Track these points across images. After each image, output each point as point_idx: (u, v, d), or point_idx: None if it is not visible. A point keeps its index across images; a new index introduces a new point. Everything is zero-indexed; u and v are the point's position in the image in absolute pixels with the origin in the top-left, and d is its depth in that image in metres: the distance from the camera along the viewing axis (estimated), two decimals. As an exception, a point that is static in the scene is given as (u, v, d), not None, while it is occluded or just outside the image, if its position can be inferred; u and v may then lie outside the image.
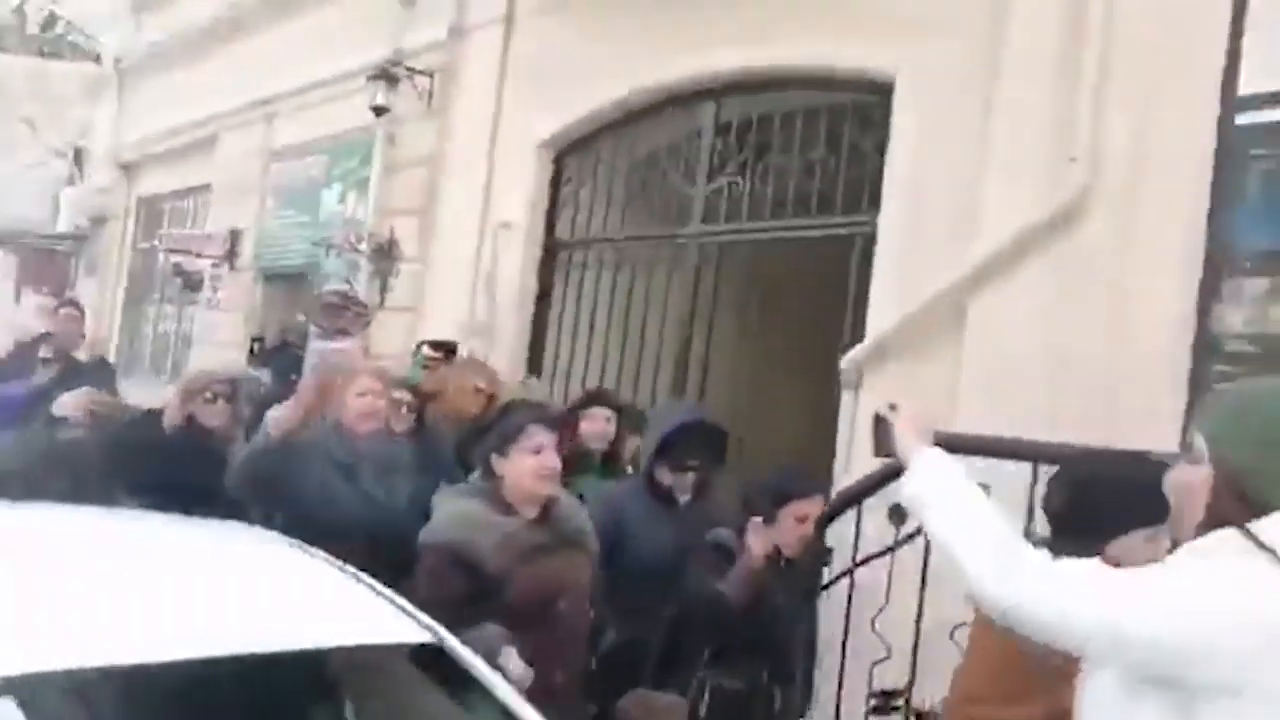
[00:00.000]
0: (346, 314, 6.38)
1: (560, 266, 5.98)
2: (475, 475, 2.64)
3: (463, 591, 2.25)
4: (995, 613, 1.35)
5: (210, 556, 1.85)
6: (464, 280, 6.17)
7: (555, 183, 6.04)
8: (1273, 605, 1.22)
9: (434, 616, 1.85)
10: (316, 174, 7.68)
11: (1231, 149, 3.40)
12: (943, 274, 3.93)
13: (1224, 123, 3.41)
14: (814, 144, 4.72)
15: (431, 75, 6.59)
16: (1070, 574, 1.35)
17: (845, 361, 4.24)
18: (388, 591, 1.74)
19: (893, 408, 1.66)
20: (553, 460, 2.49)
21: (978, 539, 1.39)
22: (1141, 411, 3.28)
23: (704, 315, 5.15)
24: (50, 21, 12.00)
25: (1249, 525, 1.29)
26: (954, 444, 2.37)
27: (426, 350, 4.93)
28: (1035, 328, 3.65)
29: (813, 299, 4.90)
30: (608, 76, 5.52)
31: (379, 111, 6.49)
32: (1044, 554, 1.41)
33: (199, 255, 8.51)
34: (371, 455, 3.13)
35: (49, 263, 12.11)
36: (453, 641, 1.63)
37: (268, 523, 2.69)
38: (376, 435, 3.19)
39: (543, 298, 6.00)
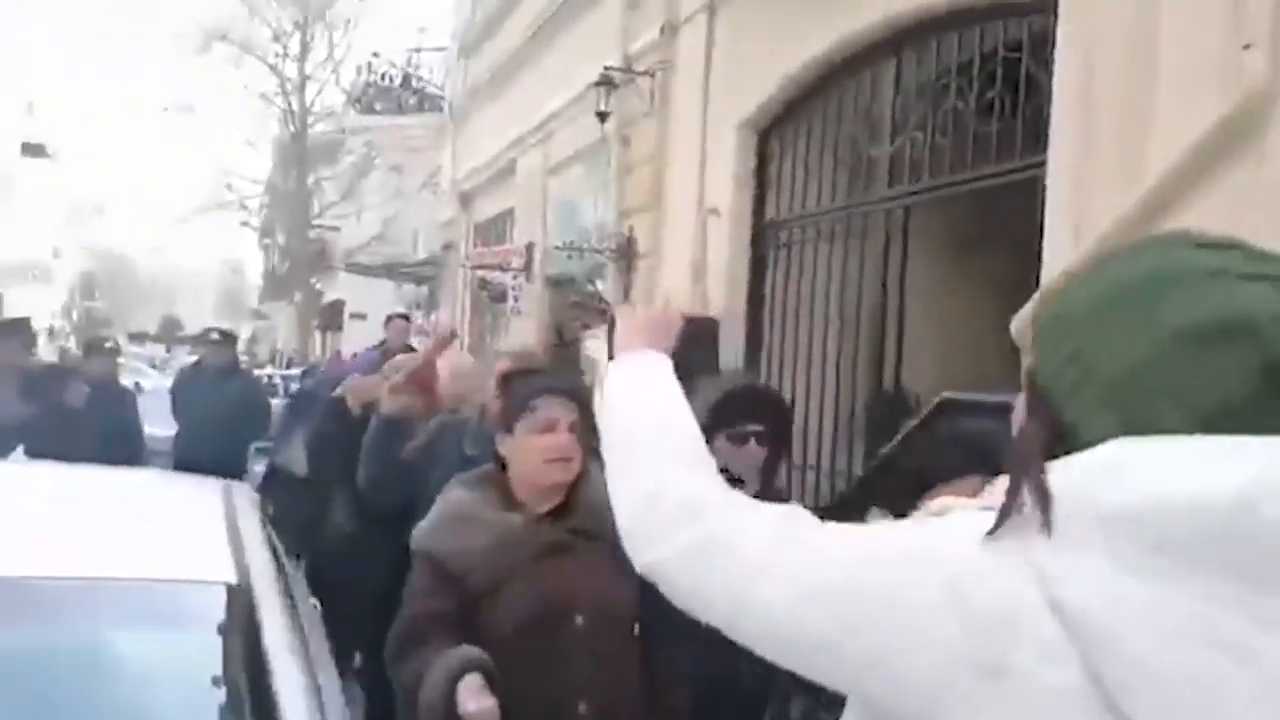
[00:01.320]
0: (590, 312, 6.89)
1: (770, 247, 5.88)
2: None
3: (451, 609, 1.81)
4: (635, 558, 0.94)
5: (101, 495, 2.19)
6: (686, 272, 6.31)
7: (761, 163, 5.95)
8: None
9: (423, 638, 1.74)
10: (578, 185, 8.29)
11: None
12: (1115, 210, 3.31)
13: None
14: (989, 84, 4.18)
15: (653, 74, 6.80)
16: (764, 521, 0.88)
17: (1015, 322, 3.72)
18: (250, 531, 1.92)
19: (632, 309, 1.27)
20: (567, 441, 1.93)
21: (648, 454, 0.98)
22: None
23: (896, 281, 4.79)
24: (406, 80, 14.16)
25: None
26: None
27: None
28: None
29: (1007, 253, 4.35)
30: (795, 47, 5.33)
31: (602, 116, 6.85)
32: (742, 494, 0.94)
33: (503, 269, 9.57)
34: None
35: (417, 289, 14.36)
36: (264, 585, 1.72)
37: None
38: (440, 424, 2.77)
39: (756, 281, 5.94)
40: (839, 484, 4.78)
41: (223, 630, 1.65)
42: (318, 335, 24.70)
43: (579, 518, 1.94)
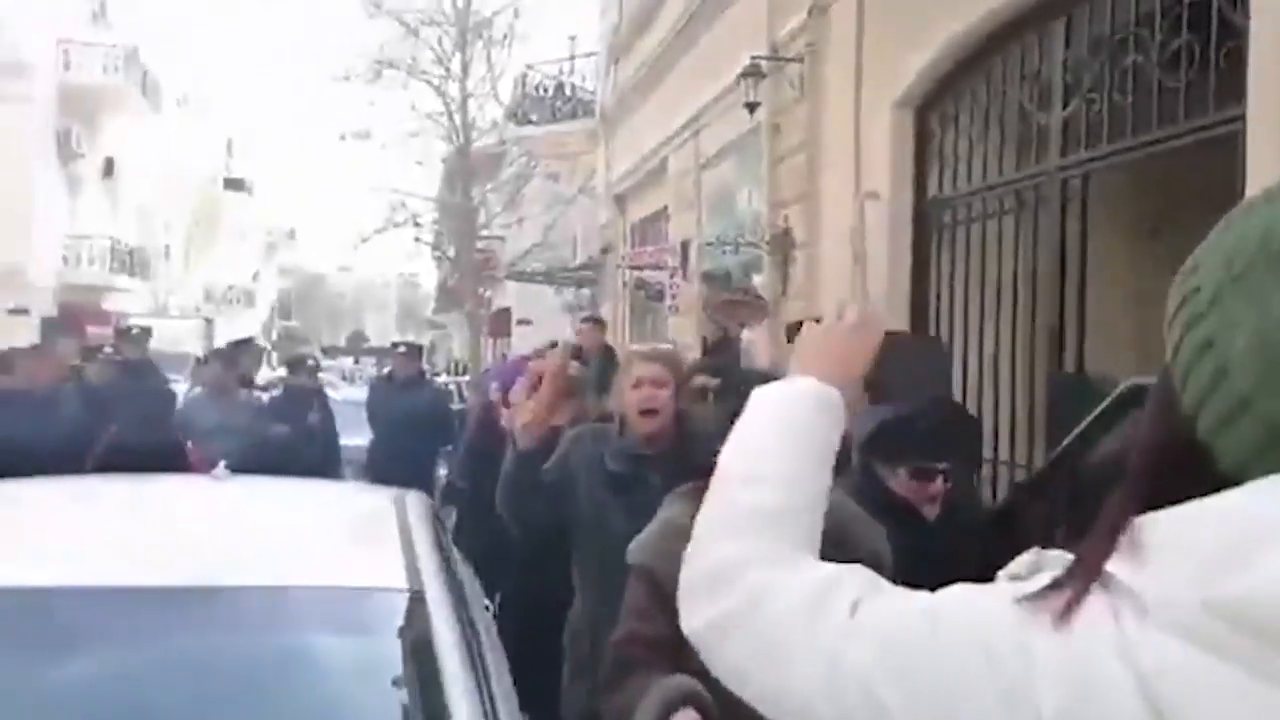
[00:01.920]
0: (744, 309, 6.80)
1: (934, 228, 5.62)
2: None
3: (666, 633, 1.57)
4: (683, 623, 0.84)
5: (285, 508, 2.30)
6: (847, 258, 6.12)
7: (921, 141, 5.69)
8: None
9: (634, 665, 1.66)
10: (730, 178, 8.21)
11: None
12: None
13: None
14: (1175, 33, 3.81)
15: (801, 60, 6.65)
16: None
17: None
18: (425, 539, 1.97)
19: (818, 320, 1.04)
20: None
21: (721, 511, 0.85)
22: None
23: (1075, 256, 4.45)
24: (559, 89, 14.50)
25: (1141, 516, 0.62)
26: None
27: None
28: None
29: (1202, 219, 3.94)
30: (949, 17, 5.07)
31: (751, 107, 6.75)
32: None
33: (658, 268, 9.62)
34: (660, 463, 2.40)
35: (584, 291, 14.67)
36: (435, 591, 1.75)
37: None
38: (663, 436, 2.50)
39: (921, 263, 5.69)
40: (1019, 479, 4.49)
41: (398, 635, 1.71)
42: (488, 342, 25.74)
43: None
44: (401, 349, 6.23)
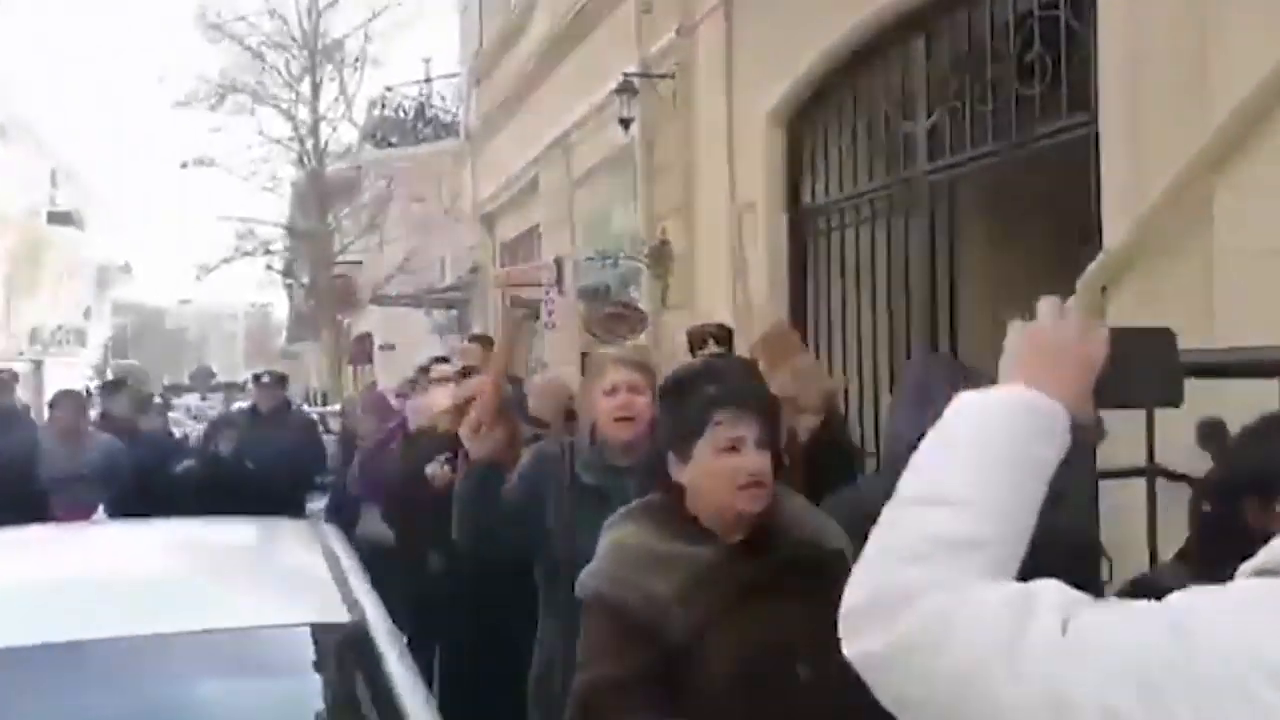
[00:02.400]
0: (624, 322, 6.85)
1: (809, 236, 5.83)
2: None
3: (641, 669, 1.50)
4: (846, 645, 0.79)
5: (203, 548, 2.18)
6: (725, 269, 6.26)
7: (792, 153, 5.90)
8: None
9: (610, 710, 1.48)
10: (605, 194, 8.28)
11: None
12: (1176, 160, 3.22)
13: None
14: (1028, 45, 4.11)
15: (673, 76, 6.79)
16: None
17: (1080, 284, 3.63)
18: (352, 572, 1.89)
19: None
20: (755, 461, 1.62)
21: (905, 529, 0.79)
22: None
23: (944, 256, 4.71)
24: (421, 111, 14.27)
25: None
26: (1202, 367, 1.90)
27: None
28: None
29: (1060, 216, 4.27)
30: (816, 33, 5.30)
31: (625, 123, 6.84)
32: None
33: (533, 285, 9.57)
34: (637, 474, 2.13)
35: (453, 313, 14.43)
36: (377, 622, 1.69)
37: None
38: (639, 445, 2.25)
39: (798, 270, 5.88)
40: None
41: (347, 671, 1.62)
42: (349, 370, 24.88)
43: (783, 549, 1.62)
44: (265, 379, 5.94)
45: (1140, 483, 2.66)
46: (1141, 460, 2.40)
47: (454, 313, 14.69)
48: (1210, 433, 1.85)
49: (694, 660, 1.51)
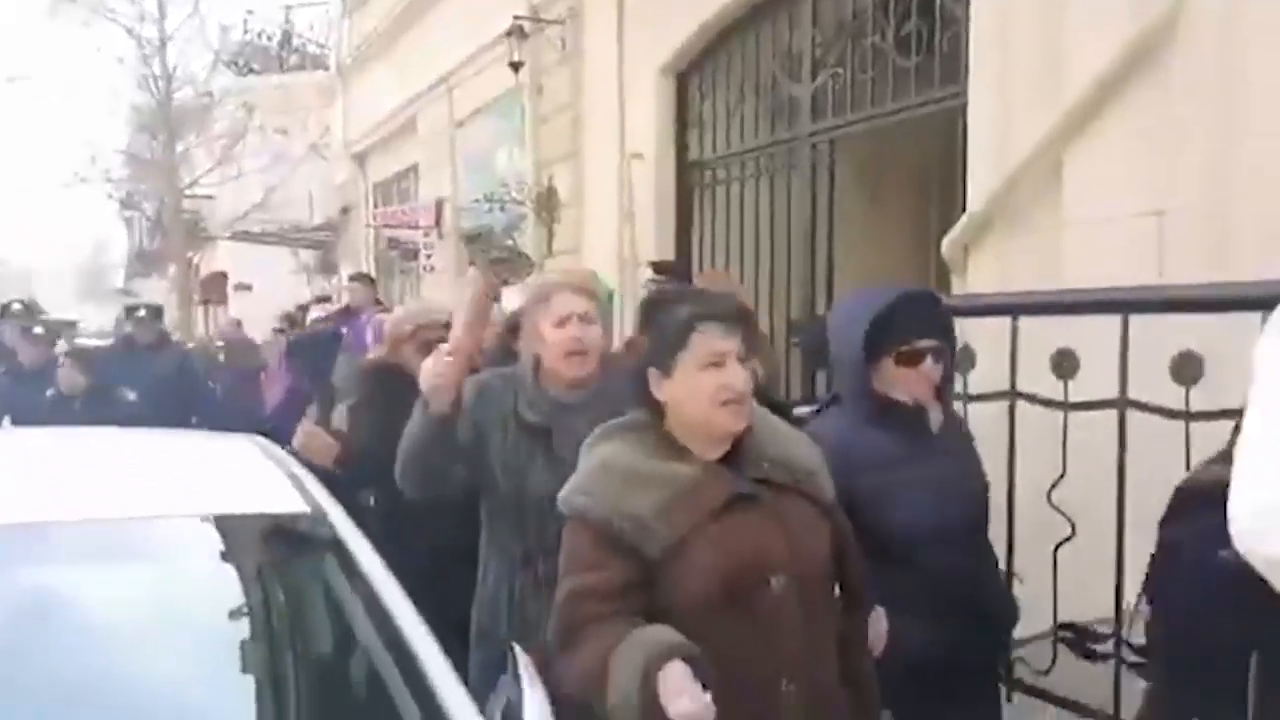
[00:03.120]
0: (509, 266, 6.91)
1: (696, 188, 6.06)
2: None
3: (623, 581, 1.54)
4: (1250, 546, 0.93)
5: (148, 449, 2.23)
6: (613, 216, 6.43)
7: (681, 106, 6.10)
8: None
9: (593, 619, 1.50)
10: (489, 137, 8.25)
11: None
12: (1034, 132, 3.61)
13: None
14: (906, 18, 4.43)
15: (563, 23, 6.82)
16: None
17: (946, 242, 4.03)
18: (299, 472, 1.92)
19: None
20: (738, 376, 1.61)
21: None
22: (1259, 264, 2.88)
23: (824, 212, 5.05)
24: (285, 39, 13.59)
25: None
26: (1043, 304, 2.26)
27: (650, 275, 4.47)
28: (1133, 178, 3.27)
29: (928, 179, 4.67)
30: (710, -11, 5.47)
31: (516, 67, 6.84)
32: None
33: (411, 227, 9.45)
34: (585, 410, 2.01)
35: (321, 252, 13.99)
36: (335, 513, 1.75)
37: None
38: (590, 380, 2.12)
39: (684, 221, 6.12)
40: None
41: (316, 557, 1.71)
42: (199, 310, 23.62)
43: (758, 465, 1.63)
44: (140, 312, 5.72)
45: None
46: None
47: (316, 253, 14.23)
48: (1060, 361, 2.25)
49: (673, 575, 1.54)
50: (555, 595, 1.60)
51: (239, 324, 11.19)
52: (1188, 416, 2.02)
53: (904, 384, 1.93)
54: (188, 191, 21.89)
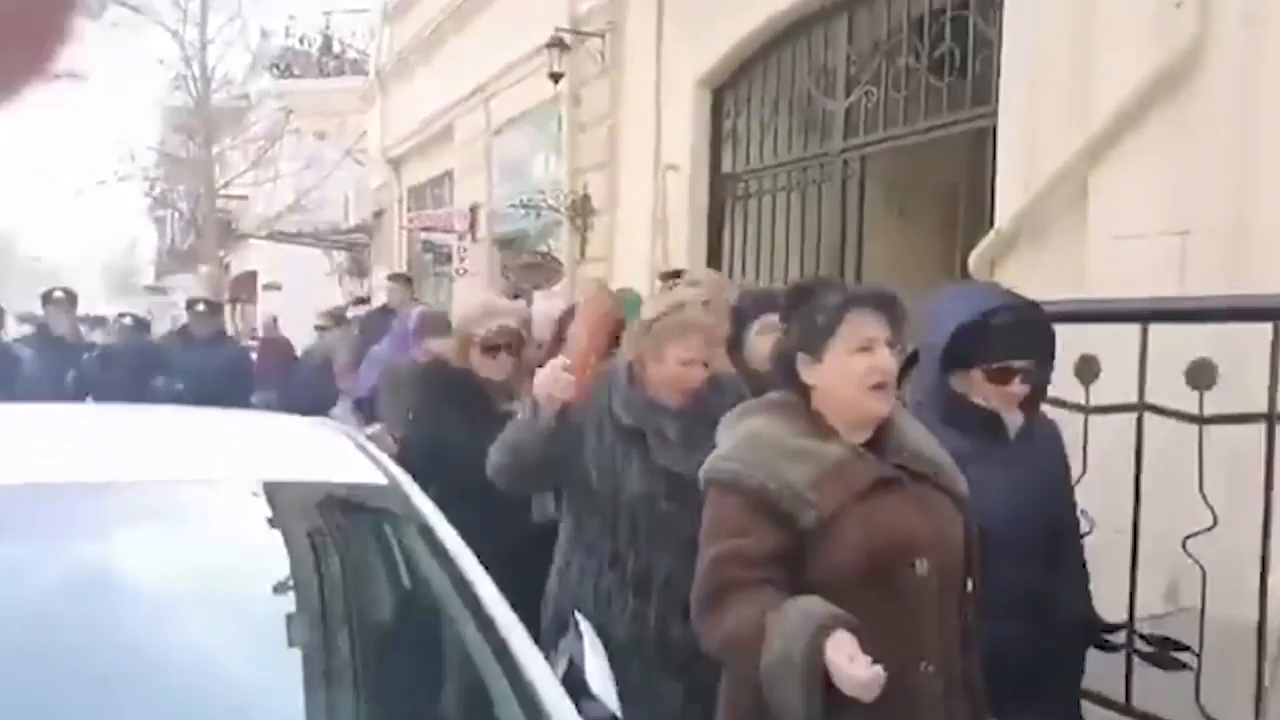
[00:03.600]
0: (541, 271, 7.11)
1: (729, 199, 6.22)
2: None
3: (768, 548, 1.56)
4: None
5: (223, 423, 2.35)
6: (645, 225, 6.59)
7: (716, 119, 6.26)
8: None
9: (741, 585, 1.53)
10: (525, 145, 8.44)
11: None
12: (1062, 153, 3.74)
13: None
14: (940, 40, 4.58)
15: (603, 36, 7.01)
16: None
17: (974, 256, 4.15)
18: (375, 451, 2.02)
19: None
20: (887, 361, 1.65)
21: None
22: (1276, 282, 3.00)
23: (854, 227, 5.19)
24: (326, 45, 13.89)
25: None
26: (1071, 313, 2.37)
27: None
28: (1157, 199, 3.40)
29: (957, 197, 4.80)
30: (746, 7, 5.64)
31: (556, 78, 7.04)
32: None
33: (445, 231, 9.66)
34: (674, 415, 2.17)
35: (355, 254, 14.25)
36: (412, 488, 1.83)
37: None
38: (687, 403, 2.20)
39: (715, 232, 6.27)
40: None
41: (398, 525, 1.81)
42: (228, 308, 24.00)
43: (899, 453, 1.67)
44: (200, 306, 5.96)
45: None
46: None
47: (347, 255, 14.48)
48: (1083, 366, 2.33)
49: (821, 548, 1.56)
50: (699, 561, 1.62)
51: (275, 322, 11.44)
52: (1201, 421, 2.15)
53: (986, 395, 1.94)
54: (223, 191, 22.30)
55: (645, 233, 6.58)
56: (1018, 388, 1.94)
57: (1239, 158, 3.16)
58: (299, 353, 7.53)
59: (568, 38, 7.06)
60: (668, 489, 2.03)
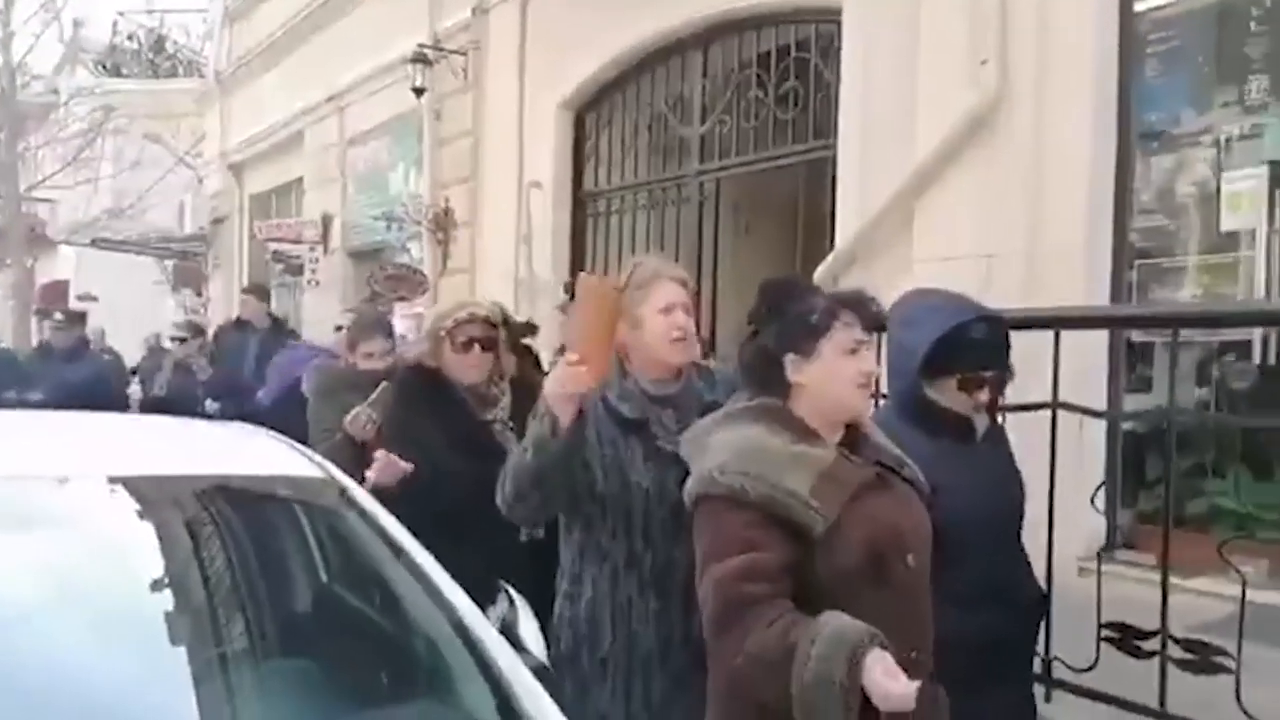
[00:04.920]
0: (407, 283, 7.20)
1: (589, 217, 6.53)
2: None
3: (781, 561, 1.55)
4: None
5: (171, 430, 2.37)
6: (508, 239, 6.81)
7: (578, 139, 6.57)
8: None
9: (755, 600, 1.51)
10: (384, 157, 8.48)
11: (1134, 35, 3.61)
12: (891, 184, 4.27)
13: (1125, 9, 3.62)
14: (785, 77, 5.08)
15: (465, 54, 7.19)
16: None
17: (818, 274, 4.63)
18: (303, 448, 2.10)
19: None
20: (871, 364, 1.73)
21: None
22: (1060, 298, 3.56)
23: (709, 244, 5.62)
24: (159, 44, 13.27)
25: None
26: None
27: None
28: (968, 226, 3.96)
29: (800, 220, 5.30)
30: (612, 34, 5.99)
31: (419, 92, 7.16)
32: None
33: (295, 241, 9.49)
34: (674, 401, 2.06)
35: (187, 264, 13.60)
36: (346, 480, 1.92)
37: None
38: (679, 373, 2.09)
39: (577, 247, 6.57)
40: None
41: (338, 516, 1.89)
42: (33, 320, 22.19)
43: (873, 451, 1.72)
44: (58, 317, 5.73)
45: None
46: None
47: (175, 264, 13.80)
48: None
49: (827, 551, 1.56)
50: (704, 579, 1.58)
51: (103, 334, 10.83)
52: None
53: (957, 401, 2.05)
54: (32, 195, 20.61)
55: (508, 247, 6.80)
56: (985, 395, 2.07)
57: (1032, 192, 3.75)
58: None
59: (430, 53, 7.20)
60: (679, 475, 1.85)
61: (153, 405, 5.88)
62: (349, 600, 1.92)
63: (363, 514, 1.90)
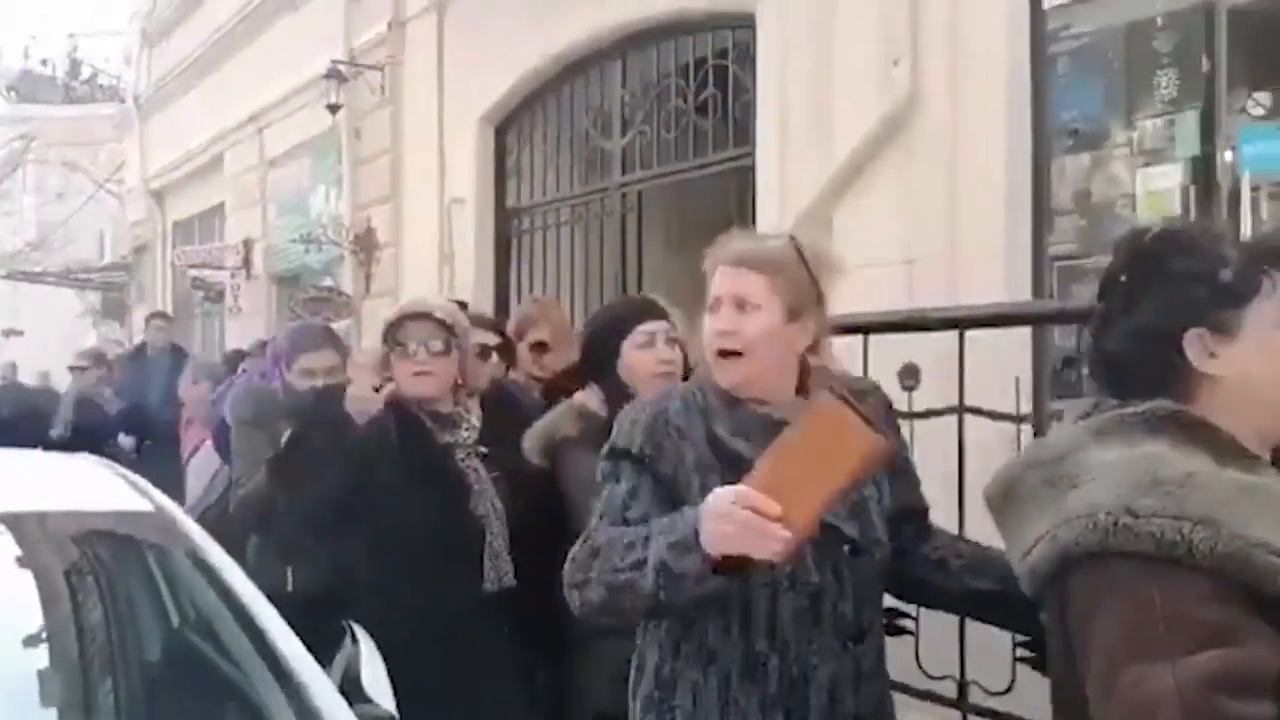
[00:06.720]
0: (329, 305, 6.95)
1: (514, 233, 6.35)
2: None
3: (1274, 661, 0.93)
4: None
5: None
6: (432, 259, 6.60)
7: (500, 154, 6.40)
8: None
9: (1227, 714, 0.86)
10: (304, 177, 8.22)
11: (1044, 33, 3.54)
12: (810, 191, 4.16)
13: (1035, 7, 3.55)
14: (704, 86, 4.96)
15: (382, 69, 6.99)
16: None
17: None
18: (141, 482, 1.96)
19: None
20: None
21: None
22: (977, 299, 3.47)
23: (634, 257, 5.47)
24: (75, 68, 12.84)
25: None
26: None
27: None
28: (888, 232, 3.85)
29: (725, 227, 5.18)
30: (530, 46, 5.83)
31: (334, 109, 6.93)
32: None
33: (217, 267, 9.17)
34: (776, 429, 1.43)
35: (111, 294, 13.15)
36: (178, 513, 1.83)
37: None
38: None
39: (502, 265, 6.38)
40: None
41: (164, 550, 1.80)
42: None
43: None
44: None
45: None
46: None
47: (105, 294, 13.35)
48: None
49: None
50: (1116, 697, 0.96)
51: (13, 368, 10.39)
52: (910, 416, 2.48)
53: None
54: (-52, 226, 19.91)
55: (432, 266, 6.58)
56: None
57: (949, 196, 3.66)
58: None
59: (345, 69, 6.98)
60: (827, 543, 1.35)
61: (58, 448, 5.60)
62: (166, 643, 1.76)
63: (190, 551, 1.78)
